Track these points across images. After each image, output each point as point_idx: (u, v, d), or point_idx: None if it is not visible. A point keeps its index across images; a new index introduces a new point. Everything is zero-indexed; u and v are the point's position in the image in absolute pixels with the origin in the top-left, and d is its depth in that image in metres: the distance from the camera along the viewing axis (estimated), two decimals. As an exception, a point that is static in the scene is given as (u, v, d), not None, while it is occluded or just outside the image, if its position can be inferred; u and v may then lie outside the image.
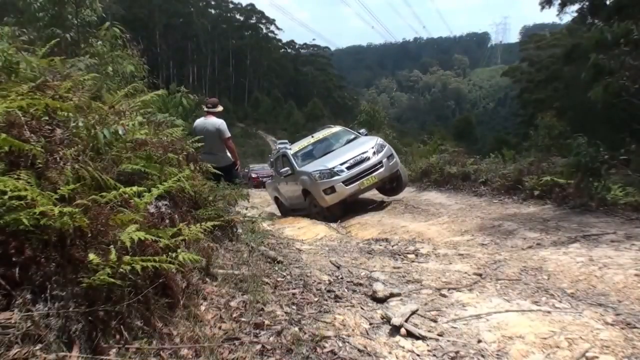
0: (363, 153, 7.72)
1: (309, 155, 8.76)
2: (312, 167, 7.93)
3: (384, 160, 7.69)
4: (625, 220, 4.48)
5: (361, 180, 7.45)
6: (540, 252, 3.68)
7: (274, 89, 74.04)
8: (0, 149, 1.58)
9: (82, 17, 6.24)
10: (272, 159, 10.23)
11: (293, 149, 9.11)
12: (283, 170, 8.60)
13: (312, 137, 9.36)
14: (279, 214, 9.81)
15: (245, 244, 3.60)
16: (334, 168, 7.50)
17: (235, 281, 2.60)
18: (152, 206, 2.28)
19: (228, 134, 5.59)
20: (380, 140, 8.20)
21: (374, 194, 8.90)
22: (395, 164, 7.95)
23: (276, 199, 10.17)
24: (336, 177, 7.40)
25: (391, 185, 8.33)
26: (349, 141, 8.75)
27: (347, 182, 7.40)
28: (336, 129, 9.63)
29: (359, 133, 9.19)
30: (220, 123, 5.56)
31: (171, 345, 1.68)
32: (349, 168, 7.49)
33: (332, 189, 7.36)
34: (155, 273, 1.75)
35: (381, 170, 7.59)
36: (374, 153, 7.73)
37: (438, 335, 2.23)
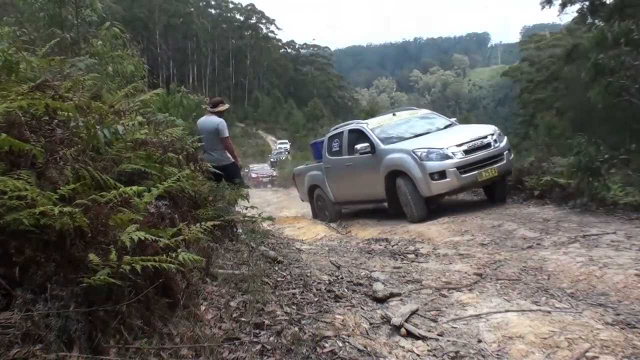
0: (483, 138, 6.12)
1: (393, 134, 6.95)
2: (412, 145, 6.23)
3: (505, 152, 6.17)
4: (625, 220, 4.48)
5: (479, 171, 5.85)
6: (540, 252, 3.68)
7: (274, 89, 73.97)
8: (0, 149, 1.58)
9: (82, 17, 6.23)
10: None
11: (370, 124, 7.24)
12: (361, 146, 6.68)
13: (394, 114, 7.62)
14: (278, 215, 9.09)
15: (245, 244, 3.61)
16: (447, 148, 5.91)
17: (235, 281, 2.60)
18: (152, 206, 2.27)
19: (226, 134, 5.58)
20: (497, 129, 6.56)
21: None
22: (512, 161, 6.47)
23: (311, 190, 8.38)
24: (449, 161, 5.80)
25: (500, 185, 6.52)
26: (447, 126, 7.07)
27: (463, 169, 5.80)
28: (423, 110, 8.06)
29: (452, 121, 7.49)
30: (219, 122, 5.56)
31: (171, 345, 1.68)
32: (466, 152, 5.91)
33: (441, 175, 5.76)
34: (155, 273, 1.75)
35: (503, 162, 6.05)
36: (495, 141, 6.15)
37: (438, 335, 2.23)
